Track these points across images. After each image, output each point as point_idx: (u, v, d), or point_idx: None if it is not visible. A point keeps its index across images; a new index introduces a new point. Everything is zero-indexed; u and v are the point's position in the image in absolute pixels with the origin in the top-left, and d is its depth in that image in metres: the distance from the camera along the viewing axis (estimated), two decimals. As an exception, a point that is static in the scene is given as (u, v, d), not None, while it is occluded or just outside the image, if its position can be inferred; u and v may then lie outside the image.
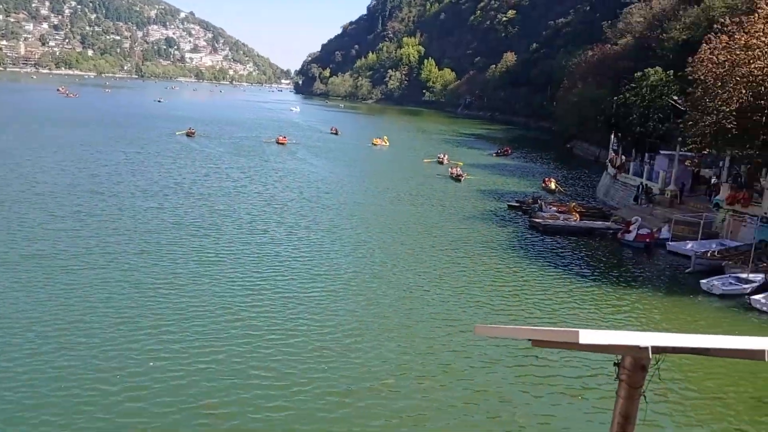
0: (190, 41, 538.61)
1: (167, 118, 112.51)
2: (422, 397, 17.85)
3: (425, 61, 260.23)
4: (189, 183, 49.91)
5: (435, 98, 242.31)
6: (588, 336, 2.54)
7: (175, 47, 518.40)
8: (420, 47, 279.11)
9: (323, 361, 19.58)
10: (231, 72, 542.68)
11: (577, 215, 43.89)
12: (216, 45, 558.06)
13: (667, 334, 2.65)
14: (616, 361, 2.83)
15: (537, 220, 42.20)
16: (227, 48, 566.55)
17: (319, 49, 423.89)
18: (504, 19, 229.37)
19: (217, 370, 18.44)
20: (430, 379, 18.93)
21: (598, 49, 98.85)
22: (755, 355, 2.68)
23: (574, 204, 47.59)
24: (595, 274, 32.96)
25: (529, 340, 2.84)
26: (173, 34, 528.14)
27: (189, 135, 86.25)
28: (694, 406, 18.81)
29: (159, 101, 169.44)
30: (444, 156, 74.72)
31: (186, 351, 19.47)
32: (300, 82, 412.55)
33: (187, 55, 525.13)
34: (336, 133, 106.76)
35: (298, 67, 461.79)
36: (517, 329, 2.87)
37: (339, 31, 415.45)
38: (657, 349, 2.65)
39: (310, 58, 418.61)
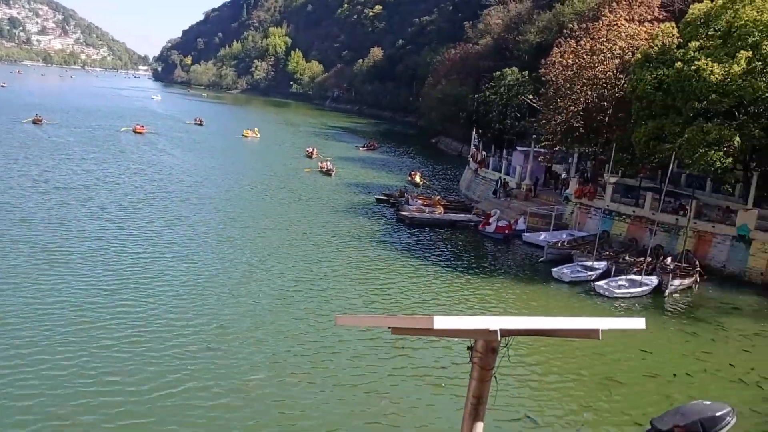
0: (37, 22, 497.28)
1: (11, 105, 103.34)
2: (290, 393, 17.74)
3: (292, 52, 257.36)
4: (36, 175, 46.17)
5: (303, 90, 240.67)
6: (442, 322, 2.63)
7: (20, 28, 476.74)
8: (287, 38, 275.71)
9: (186, 361, 18.91)
10: (83, 56, 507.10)
11: (442, 208, 45.50)
12: (66, 27, 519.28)
13: (514, 317, 2.82)
14: (470, 345, 2.97)
15: (404, 213, 43.26)
16: (79, 31, 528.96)
17: (179, 35, 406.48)
18: (371, 14, 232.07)
19: (73, 374, 17.26)
20: (297, 375, 18.84)
21: (460, 48, 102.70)
22: (590, 334, 2.93)
23: (438, 197, 49.29)
24: (458, 264, 34.35)
25: (389, 328, 2.91)
26: (18, 14, 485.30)
27: (36, 123, 79.75)
28: (543, 385, 20.19)
29: (2, 86, 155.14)
30: (313, 150, 74.56)
31: (33, 356, 18.06)
32: (159, 69, 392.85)
33: (34, 37, 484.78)
34: (200, 124, 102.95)
35: (157, 53, 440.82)
36: (377, 318, 2.93)
37: (201, 17, 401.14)
38: (505, 332, 2.82)
39: (170, 45, 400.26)
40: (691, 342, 25.29)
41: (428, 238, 39.31)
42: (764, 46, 33.36)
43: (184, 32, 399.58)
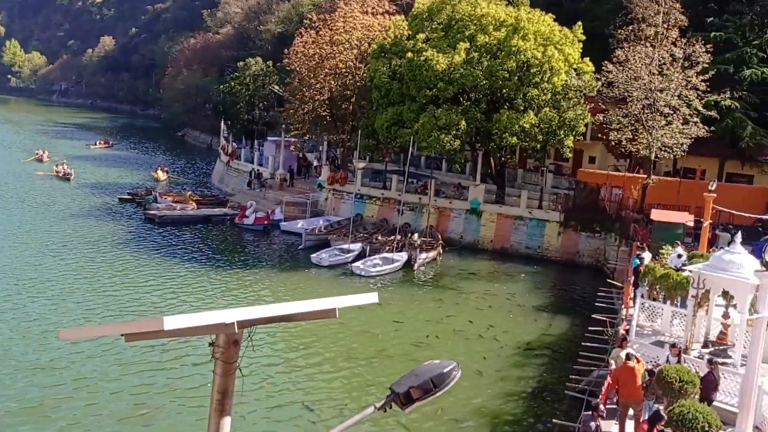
0: None
1: None
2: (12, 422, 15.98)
3: (7, 42, 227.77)
4: None
5: (24, 84, 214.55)
6: (173, 321, 2.53)
7: None
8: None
9: None
10: None
11: (194, 204, 43.95)
12: None
13: (251, 307, 2.81)
14: (211, 341, 2.91)
15: (152, 212, 40.96)
16: None
17: None
18: (98, 0, 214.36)
19: None
20: (24, 400, 17.00)
21: (200, 37, 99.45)
22: (329, 314, 3.04)
23: (189, 193, 47.51)
24: (217, 259, 33.55)
25: (122, 335, 2.72)
26: None
27: None
28: (305, 368, 20.74)
29: None
30: (43, 152, 66.24)
31: None
32: None
33: None
34: None
35: None
36: (104, 327, 2.71)
37: None
38: (243, 323, 2.80)
39: None
40: (438, 308, 27.77)
41: (182, 235, 37.74)
42: (479, 38, 37.49)
43: None
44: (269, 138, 56.06)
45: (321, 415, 17.81)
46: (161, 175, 57.51)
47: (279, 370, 20.53)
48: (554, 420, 15.38)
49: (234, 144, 58.69)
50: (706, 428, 10.75)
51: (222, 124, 62.92)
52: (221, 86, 63.45)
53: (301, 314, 3.00)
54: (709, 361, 12.95)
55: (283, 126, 49.67)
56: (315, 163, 51.13)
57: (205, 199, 47.64)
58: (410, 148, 37.23)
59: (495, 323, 25.91)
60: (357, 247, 34.74)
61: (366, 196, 42.67)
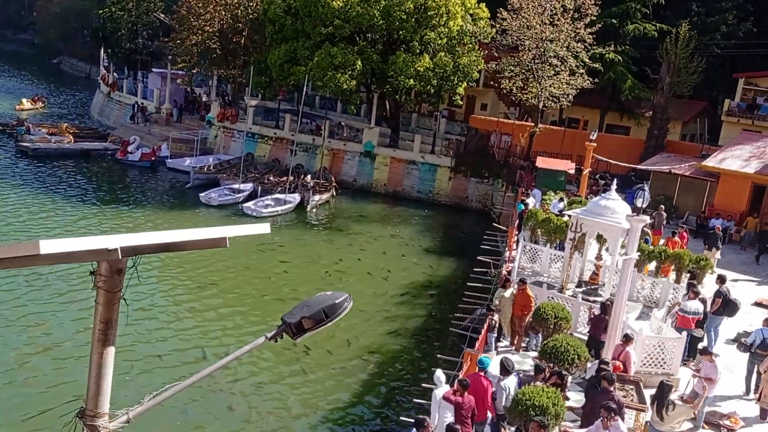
0: None
1: None
2: None
3: None
4: None
5: None
6: (50, 246, 2.35)
7: None
8: None
9: None
10: None
11: (71, 137, 41.17)
12: None
13: (137, 234, 2.66)
14: (93, 270, 2.75)
15: (25, 144, 38.04)
16: None
17: None
18: None
19: None
20: None
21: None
22: (219, 243, 2.94)
23: (66, 125, 44.34)
24: (99, 195, 31.84)
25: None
26: None
27: None
28: (180, 301, 20.43)
29: None
30: None
31: None
32: None
33: None
34: None
35: None
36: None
37: None
38: (128, 251, 2.65)
39: None
40: (330, 249, 27.94)
41: (59, 170, 35.37)
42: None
43: None
44: (154, 70, 52.99)
45: (209, 347, 17.78)
46: (27, 104, 53.11)
47: (166, 302, 20.31)
48: (439, 355, 16.06)
49: (115, 74, 55.11)
50: (576, 360, 11.60)
51: (102, 52, 58.69)
52: (101, 11, 58.82)
53: (191, 242, 2.87)
54: (603, 304, 13.77)
55: (170, 58, 47.06)
56: (204, 99, 49.09)
57: (84, 132, 44.74)
58: (305, 87, 36.49)
59: (385, 264, 26.46)
60: (248, 187, 34.06)
61: (258, 135, 41.67)
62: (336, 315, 2.96)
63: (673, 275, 18.40)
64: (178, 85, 48.75)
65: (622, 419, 9.82)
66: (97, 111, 55.07)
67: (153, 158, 38.70)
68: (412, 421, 10.84)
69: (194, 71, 46.78)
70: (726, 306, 14.88)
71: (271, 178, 36.20)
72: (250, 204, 31.63)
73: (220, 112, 42.66)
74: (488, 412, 10.82)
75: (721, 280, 15.70)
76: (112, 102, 52.74)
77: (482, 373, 10.98)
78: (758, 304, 17.08)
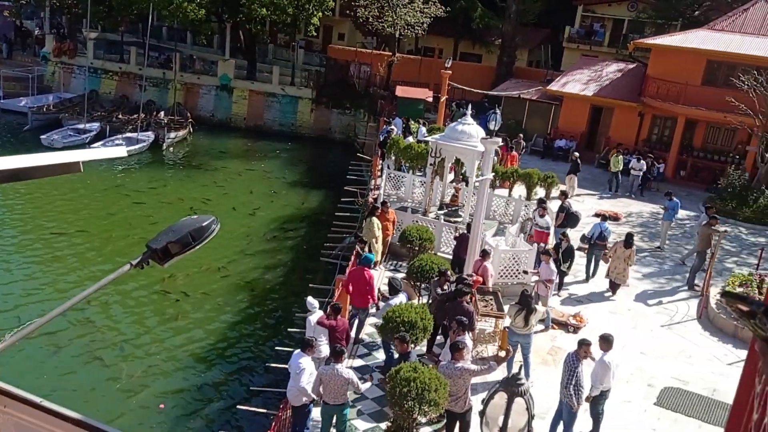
0: None
1: None
2: None
3: None
4: None
5: None
6: None
7: None
8: None
9: None
10: None
11: None
12: None
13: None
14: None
15: None
16: None
17: None
18: None
19: None
20: None
21: None
22: (72, 167, 2.79)
23: None
24: None
25: None
26: None
27: None
28: (37, 231, 19.22)
29: None
30: None
31: None
32: None
33: None
34: None
35: None
36: None
37: None
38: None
39: None
40: (191, 188, 27.00)
41: None
42: None
43: None
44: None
45: (72, 277, 17.02)
46: None
47: (24, 229, 19.00)
48: (311, 285, 16.30)
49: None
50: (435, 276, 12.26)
51: None
52: None
53: (42, 168, 2.71)
54: (468, 225, 14.40)
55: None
56: (36, 32, 44.54)
57: None
58: (150, 17, 34.05)
59: (251, 200, 26.08)
60: (94, 126, 31.82)
61: (101, 71, 38.71)
62: (203, 238, 2.92)
63: (524, 192, 19.71)
64: (5, 18, 43.78)
65: (473, 327, 10.60)
66: None
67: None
68: (288, 350, 11.09)
69: (23, 2, 42.18)
70: (569, 218, 16.57)
71: (120, 116, 34.05)
72: (98, 144, 29.50)
73: (56, 46, 39.04)
74: (371, 299, 11.89)
75: (564, 195, 17.38)
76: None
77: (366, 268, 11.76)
78: (597, 215, 18.83)
